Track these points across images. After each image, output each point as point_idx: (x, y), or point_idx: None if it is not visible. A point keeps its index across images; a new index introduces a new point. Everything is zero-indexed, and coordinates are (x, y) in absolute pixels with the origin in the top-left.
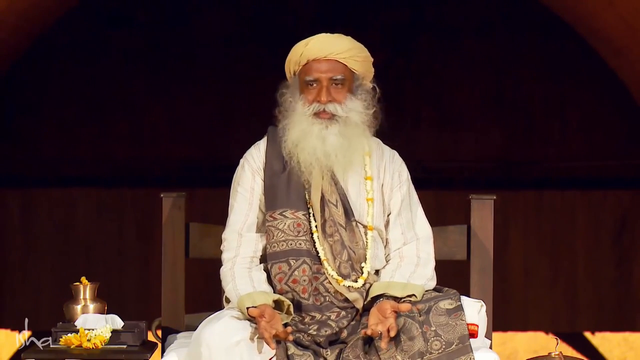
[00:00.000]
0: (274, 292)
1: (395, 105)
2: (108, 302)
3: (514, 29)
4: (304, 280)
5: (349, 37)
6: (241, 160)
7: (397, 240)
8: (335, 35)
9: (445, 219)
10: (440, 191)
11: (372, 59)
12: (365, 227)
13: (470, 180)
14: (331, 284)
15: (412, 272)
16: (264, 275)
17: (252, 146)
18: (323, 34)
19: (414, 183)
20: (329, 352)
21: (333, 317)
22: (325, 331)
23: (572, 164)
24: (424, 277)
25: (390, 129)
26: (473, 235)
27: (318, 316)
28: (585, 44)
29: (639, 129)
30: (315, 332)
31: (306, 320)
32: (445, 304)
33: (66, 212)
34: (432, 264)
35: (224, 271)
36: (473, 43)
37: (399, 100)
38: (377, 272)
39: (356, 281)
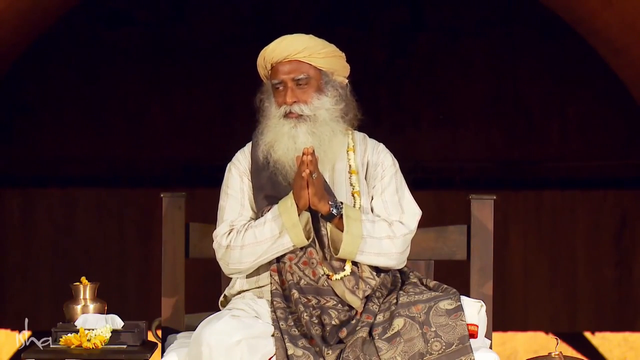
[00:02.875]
0: (281, 276)
1: (395, 105)
2: (108, 302)
3: (514, 29)
4: (313, 263)
5: (309, 35)
6: (228, 165)
7: (381, 213)
8: (295, 35)
9: (445, 219)
10: (440, 191)
11: (340, 54)
12: None
13: (470, 180)
14: (328, 279)
15: (377, 222)
16: None
17: (238, 151)
18: (283, 36)
19: (414, 183)
20: (330, 353)
21: (334, 308)
22: (324, 319)
23: (572, 164)
24: (384, 232)
25: (390, 129)
26: (473, 235)
27: (322, 301)
28: (585, 44)
29: (639, 129)
30: (317, 321)
31: (311, 302)
32: (445, 304)
33: (66, 212)
34: (403, 236)
35: (229, 246)
36: (473, 43)
37: (399, 100)
38: (374, 268)
39: (344, 269)
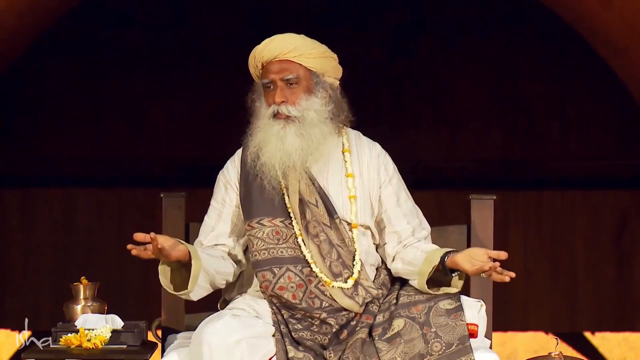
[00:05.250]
0: (264, 298)
1: (395, 105)
2: (108, 302)
3: (513, 29)
4: (292, 287)
5: (300, 35)
6: (218, 175)
7: (405, 229)
8: (285, 34)
9: (445, 219)
10: (440, 191)
11: (332, 55)
12: (349, 224)
13: (470, 180)
14: (325, 286)
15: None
16: (215, 251)
17: (229, 160)
18: (274, 36)
19: (414, 183)
20: (332, 354)
21: (332, 316)
22: (326, 329)
23: (572, 164)
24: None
25: (390, 129)
26: (473, 235)
27: (317, 315)
28: (585, 44)
29: (639, 129)
30: (317, 329)
31: (305, 317)
32: (445, 304)
33: (66, 212)
34: None
35: None
36: (472, 43)
37: (399, 100)
38: (375, 268)
39: (346, 281)
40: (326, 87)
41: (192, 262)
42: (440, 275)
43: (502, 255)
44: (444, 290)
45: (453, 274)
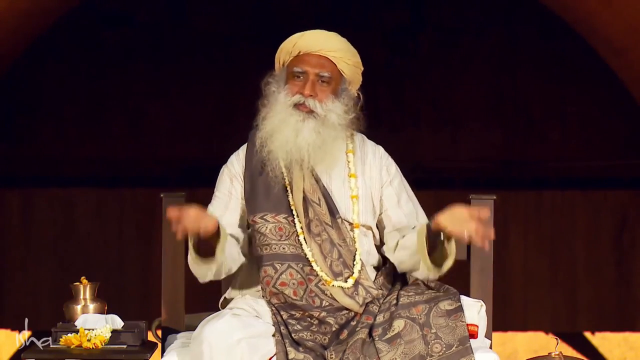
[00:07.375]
0: (264, 295)
1: (395, 105)
2: (108, 302)
3: (513, 29)
4: (293, 284)
5: (345, 40)
6: (222, 169)
7: (402, 221)
8: (332, 33)
9: None
10: (440, 191)
11: (362, 68)
12: (351, 224)
13: (470, 180)
14: (325, 285)
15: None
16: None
17: (233, 154)
18: (320, 30)
19: (414, 183)
20: (332, 355)
21: (331, 315)
22: (325, 328)
23: (572, 164)
24: None
25: (390, 129)
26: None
27: (316, 314)
28: (585, 44)
29: (639, 129)
30: (316, 329)
31: (304, 317)
32: (445, 305)
33: (66, 212)
34: None
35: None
36: (473, 43)
37: (399, 100)
38: (376, 269)
39: (346, 281)
40: (350, 95)
41: (220, 230)
42: (437, 253)
43: (483, 213)
44: (445, 266)
45: (441, 238)
